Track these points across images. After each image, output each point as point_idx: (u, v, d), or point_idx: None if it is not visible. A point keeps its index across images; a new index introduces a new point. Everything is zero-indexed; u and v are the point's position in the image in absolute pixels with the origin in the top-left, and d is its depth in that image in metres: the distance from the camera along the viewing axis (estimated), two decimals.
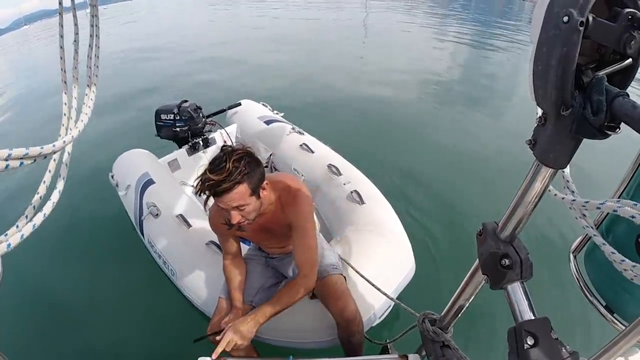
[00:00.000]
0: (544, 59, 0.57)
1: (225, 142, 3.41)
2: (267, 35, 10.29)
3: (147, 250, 2.41)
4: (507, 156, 3.99)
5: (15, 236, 0.75)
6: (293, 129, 3.14)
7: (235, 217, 1.35)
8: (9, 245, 0.71)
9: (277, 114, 3.56)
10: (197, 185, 1.31)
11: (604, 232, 0.85)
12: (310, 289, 1.56)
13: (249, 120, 3.45)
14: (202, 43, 10.25)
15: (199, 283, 2.00)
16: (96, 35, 1.21)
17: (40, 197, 0.90)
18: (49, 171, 0.94)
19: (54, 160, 0.96)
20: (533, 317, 0.74)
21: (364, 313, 1.73)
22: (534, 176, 0.69)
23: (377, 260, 1.94)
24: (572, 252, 0.97)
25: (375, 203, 2.33)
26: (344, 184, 2.45)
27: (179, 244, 2.19)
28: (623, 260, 0.70)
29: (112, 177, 2.83)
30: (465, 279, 0.94)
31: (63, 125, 1.03)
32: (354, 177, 2.54)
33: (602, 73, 0.57)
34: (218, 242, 2.01)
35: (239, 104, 3.55)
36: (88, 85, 1.15)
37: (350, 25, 12.06)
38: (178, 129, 3.00)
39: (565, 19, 0.52)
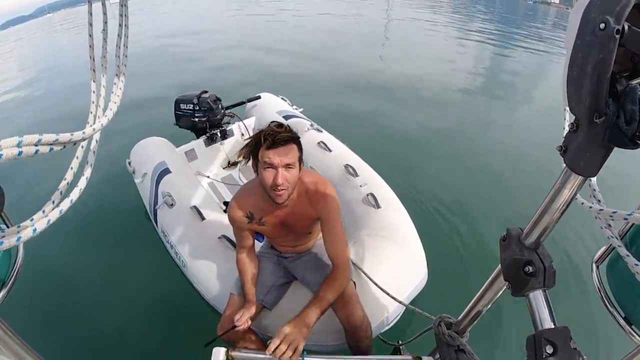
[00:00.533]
0: (579, 64, 0.57)
1: (242, 134, 3.44)
2: (287, 31, 10.28)
3: (160, 239, 2.44)
4: (527, 163, 3.96)
5: (41, 221, 0.76)
6: (312, 125, 3.14)
7: (283, 174, 1.38)
8: (34, 230, 0.72)
9: (296, 109, 3.57)
10: (253, 137, 1.41)
11: (627, 243, 0.84)
12: (347, 280, 1.59)
13: (268, 114, 3.46)
14: (220, 37, 10.31)
15: (210, 276, 2.00)
16: (125, 25, 1.22)
17: (68, 183, 0.92)
18: (77, 157, 0.95)
19: (82, 147, 0.97)
20: (553, 326, 0.74)
21: (375, 318, 1.73)
22: (563, 183, 0.69)
23: (390, 268, 1.92)
24: (595, 262, 0.96)
25: (391, 208, 2.30)
26: (360, 186, 2.43)
27: (192, 236, 2.20)
28: None
29: (129, 163, 2.87)
30: (486, 284, 0.94)
31: (91, 113, 1.04)
32: (371, 180, 2.52)
33: (635, 82, 0.57)
34: (230, 237, 2.05)
35: (259, 97, 3.58)
36: (117, 75, 1.17)
37: (371, 23, 12.00)
38: (197, 119, 3.05)
39: (602, 25, 0.52)
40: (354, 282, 1.72)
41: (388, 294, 1.74)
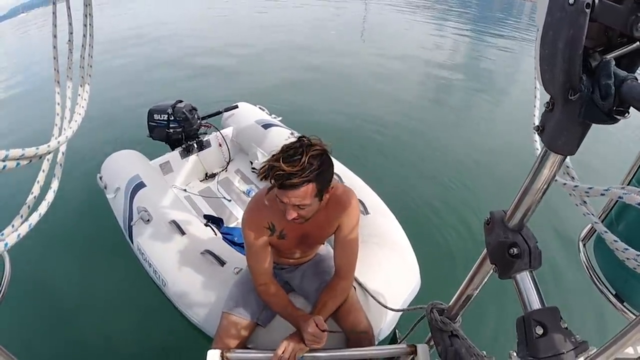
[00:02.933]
0: (550, 42, 0.58)
1: (220, 145, 3.43)
2: (263, 34, 10.31)
3: (137, 257, 2.37)
4: (508, 151, 4.13)
5: (11, 235, 0.77)
6: (292, 134, 3.14)
7: (292, 213, 1.31)
8: (6, 244, 0.74)
9: (274, 117, 3.58)
10: (262, 169, 1.26)
11: (613, 220, 0.86)
12: (348, 291, 1.58)
13: (246, 124, 3.47)
14: (195, 40, 10.23)
15: (193, 295, 1.94)
16: (90, 35, 1.22)
17: (35, 197, 0.92)
18: (43, 171, 0.96)
19: (48, 160, 0.97)
20: (542, 307, 0.75)
21: (375, 326, 1.73)
22: (542, 163, 0.70)
23: (383, 275, 1.94)
24: (582, 241, 0.99)
25: (379, 213, 2.32)
26: None
27: (172, 252, 2.12)
28: (626, 249, 0.71)
29: (101, 178, 2.80)
30: (474, 268, 0.96)
31: (56, 125, 1.04)
32: (357, 186, 2.52)
33: (609, 56, 0.58)
34: (214, 252, 2.01)
35: (236, 107, 3.57)
36: (81, 85, 1.17)
37: (348, 21, 12.18)
38: (172, 130, 3.01)
39: (571, 1, 0.53)
40: (354, 287, 1.72)
41: (382, 304, 1.75)
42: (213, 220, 2.72)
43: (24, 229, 0.80)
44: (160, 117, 2.98)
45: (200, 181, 3.40)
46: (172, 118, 2.97)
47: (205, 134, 3.35)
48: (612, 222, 0.86)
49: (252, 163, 3.40)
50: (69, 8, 1.22)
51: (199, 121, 3.12)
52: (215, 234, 2.39)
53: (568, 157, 0.86)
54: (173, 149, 3.22)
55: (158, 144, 3.20)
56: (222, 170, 3.48)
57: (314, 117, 5.27)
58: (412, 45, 9.32)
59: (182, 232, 2.19)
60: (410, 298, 1.98)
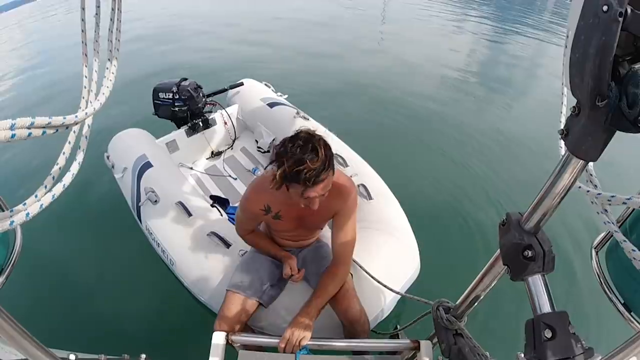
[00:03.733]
0: (581, 47, 0.58)
1: (225, 123, 3.42)
2: (277, 14, 10.10)
3: (146, 236, 2.41)
4: (520, 151, 4.04)
5: (34, 205, 0.77)
6: (297, 113, 3.12)
7: (318, 203, 1.38)
8: (27, 214, 0.74)
9: (280, 95, 3.55)
10: (290, 168, 1.25)
11: (627, 229, 0.86)
12: (346, 276, 1.66)
13: (251, 102, 3.44)
14: (204, 21, 10.07)
15: (199, 275, 2.00)
16: (118, 9, 1.24)
17: (60, 168, 0.92)
18: (69, 142, 0.96)
19: (74, 132, 0.98)
20: (552, 311, 0.76)
21: (371, 310, 1.77)
22: (563, 167, 0.70)
23: (384, 260, 1.97)
24: (594, 248, 0.99)
25: (383, 199, 2.32)
26: (351, 177, 2.43)
27: (179, 234, 2.17)
28: None
29: (108, 157, 2.80)
30: (485, 268, 0.96)
31: (83, 97, 1.05)
32: (361, 170, 2.52)
33: (638, 66, 0.57)
34: (219, 234, 2.05)
35: (241, 84, 3.54)
36: (109, 59, 1.19)
37: (366, 10, 11.90)
38: (177, 109, 3.00)
39: (605, 8, 0.53)
40: (351, 274, 1.76)
41: (387, 286, 1.78)
42: (219, 201, 2.74)
43: (47, 200, 0.80)
44: (165, 95, 2.96)
45: (207, 159, 3.41)
46: (177, 96, 2.95)
47: (211, 112, 3.34)
48: (626, 232, 0.86)
49: (257, 141, 3.40)
50: None
51: (204, 99, 3.11)
52: (221, 215, 2.41)
53: (592, 165, 0.85)
54: (179, 127, 3.21)
55: (164, 121, 3.19)
56: (228, 148, 3.49)
57: (320, 98, 5.20)
58: (431, 32, 9.10)
59: (189, 214, 2.21)
60: (410, 283, 2.01)
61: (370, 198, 2.28)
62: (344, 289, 1.66)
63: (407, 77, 6.19)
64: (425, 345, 1.36)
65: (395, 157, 3.86)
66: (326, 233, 1.93)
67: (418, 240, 2.16)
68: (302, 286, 1.79)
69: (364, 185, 2.34)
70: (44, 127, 0.68)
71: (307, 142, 1.27)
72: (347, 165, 2.53)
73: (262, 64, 6.46)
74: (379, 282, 1.80)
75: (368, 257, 1.93)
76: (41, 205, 0.78)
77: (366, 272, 1.84)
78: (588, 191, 0.83)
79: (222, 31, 8.85)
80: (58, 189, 0.84)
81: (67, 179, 0.89)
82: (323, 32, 8.37)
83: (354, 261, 1.86)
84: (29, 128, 0.64)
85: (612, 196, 0.75)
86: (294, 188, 1.33)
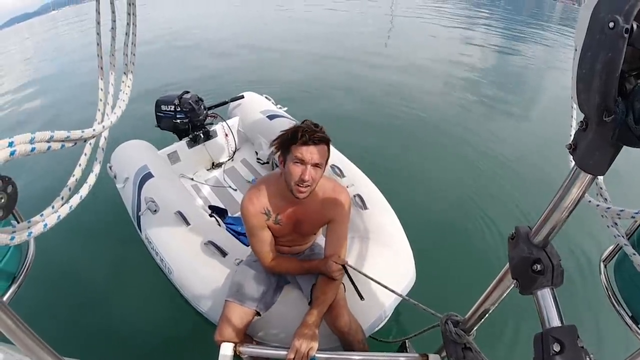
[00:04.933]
0: (588, 63, 0.59)
1: (226, 135, 3.44)
2: (279, 26, 10.24)
3: (145, 245, 2.43)
4: (522, 162, 4.05)
5: (51, 217, 0.78)
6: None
7: (309, 173, 1.45)
8: (45, 225, 0.75)
9: (280, 108, 3.59)
10: (290, 131, 1.45)
11: (635, 242, 0.87)
12: (341, 280, 1.69)
13: (252, 114, 3.48)
14: (209, 33, 10.20)
15: (196, 284, 2.01)
16: (133, 24, 1.26)
17: (76, 180, 0.94)
18: (85, 154, 0.98)
19: (90, 144, 1.00)
20: (560, 324, 0.76)
21: (369, 315, 1.78)
22: (571, 181, 0.71)
23: (378, 271, 1.92)
24: (603, 261, 0.99)
25: (378, 209, 2.34)
26: (347, 187, 2.45)
27: (177, 243, 2.19)
28: None
29: (111, 168, 2.83)
30: (494, 282, 0.96)
31: (99, 110, 1.08)
32: (358, 180, 2.55)
33: None
34: (217, 243, 2.07)
35: (242, 97, 3.59)
36: (125, 73, 1.21)
37: (372, 18, 12.02)
38: (178, 121, 3.05)
39: (611, 24, 0.54)
40: (343, 285, 1.76)
41: (388, 288, 1.74)
42: (217, 211, 2.76)
43: (64, 211, 0.82)
44: (168, 107, 3.01)
45: (207, 170, 3.43)
46: (179, 109, 3.00)
47: (212, 124, 3.37)
48: (635, 244, 0.87)
49: (257, 153, 3.45)
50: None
51: (205, 111, 3.15)
52: (219, 225, 2.42)
53: (602, 179, 0.86)
54: (180, 139, 3.24)
55: (166, 133, 3.23)
56: (229, 160, 3.52)
57: (319, 110, 5.24)
58: (437, 41, 9.18)
59: (187, 223, 2.24)
60: (404, 293, 1.99)
61: (366, 208, 2.30)
62: (334, 299, 1.67)
63: (405, 89, 6.27)
64: (433, 359, 1.36)
65: (394, 167, 3.91)
66: (320, 242, 1.96)
67: (414, 250, 2.16)
68: (297, 294, 1.82)
69: (359, 196, 2.36)
70: (62, 141, 0.70)
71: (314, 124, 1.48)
72: (344, 176, 2.56)
73: (263, 75, 6.52)
74: (379, 283, 1.77)
75: (362, 267, 1.92)
76: (58, 217, 0.80)
77: (365, 275, 1.79)
78: (598, 205, 0.84)
79: (224, 45, 8.95)
80: (75, 200, 0.86)
81: (84, 190, 0.91)
82: (322, 47, 8.45)
83: (350, 266, 1.83)
84: (48, 142, 0.65)
85: (621, 210, 0.76)
86: (290, 158, 1.46)
